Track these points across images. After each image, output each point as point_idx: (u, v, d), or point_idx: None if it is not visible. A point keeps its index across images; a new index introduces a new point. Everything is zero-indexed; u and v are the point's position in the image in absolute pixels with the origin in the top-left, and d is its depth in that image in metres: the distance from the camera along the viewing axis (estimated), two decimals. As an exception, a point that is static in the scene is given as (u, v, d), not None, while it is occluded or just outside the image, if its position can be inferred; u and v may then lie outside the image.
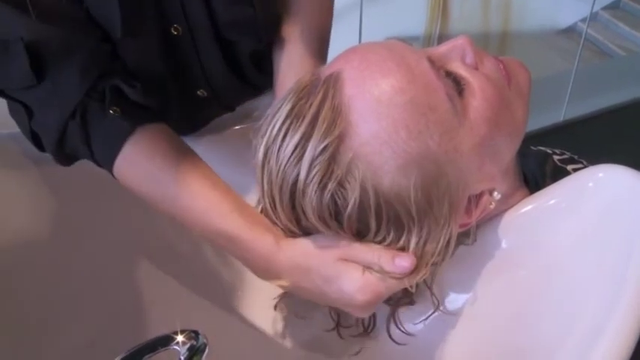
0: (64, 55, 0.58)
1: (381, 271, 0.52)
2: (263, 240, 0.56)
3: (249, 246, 0.57)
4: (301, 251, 0.55)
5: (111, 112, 0.60)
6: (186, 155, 0.62)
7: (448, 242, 0.54)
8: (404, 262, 0.51)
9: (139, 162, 0.60)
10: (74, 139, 0.61)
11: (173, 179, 0.59)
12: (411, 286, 0.54)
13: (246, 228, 0.57)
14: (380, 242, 0.53)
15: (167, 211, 0.61)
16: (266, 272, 0.58)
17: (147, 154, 0.60)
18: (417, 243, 0.52)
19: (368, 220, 0.52)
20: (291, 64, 0.70)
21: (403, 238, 0.52)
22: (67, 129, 0.61)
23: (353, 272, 0.53)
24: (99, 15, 0.61)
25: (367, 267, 0.53)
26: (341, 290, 0.53)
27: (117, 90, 0.61)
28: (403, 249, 0.53)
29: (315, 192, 0.50)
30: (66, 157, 0.64)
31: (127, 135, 0.60)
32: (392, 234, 0.52)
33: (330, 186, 0.50)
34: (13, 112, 0.66)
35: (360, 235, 0.54)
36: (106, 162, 0.61)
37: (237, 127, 0.82)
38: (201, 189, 0.59)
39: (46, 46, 0.57)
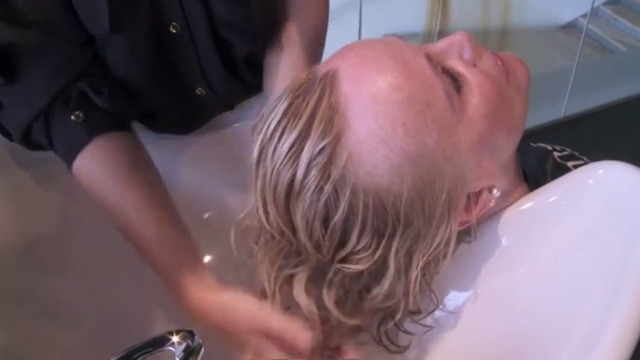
0: (35, 59, 0.60)
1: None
2: (173, 287, 0.61)
3: (164, 283, 0.62)
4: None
5: (72, 117, 0.62)
6: (136, 171, 0.64)
7: (448, 240, 0.53)
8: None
9: (92, 172, 0.64)
10: (39, 136, 0.64)
11: (117, 196, 0.63)
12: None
13: (163, 268, 0.62)
14: (361, 250, 0.51)
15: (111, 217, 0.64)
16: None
17: (99, 166, 0.63)
18: (397, 251, 0.51)
19: (353, 224, 0.50)
20: (283, 67, 0.70)
21: (383, 245, 0.51)
22: (31, 128, 0.63)
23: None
24: (84, 11, 0.60)
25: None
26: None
27: (83, 94, 0.63)
28: (385, 256, 0.52)
29: (311, 195, 0.49)
30: (33, 147, 0.67)
31: (83, 144, 0.63)
32: (375, 239, 0.51)
33: (327, 188, 0.49)
34: None
35: (342, 242, 0.52)
36: (66, 163, 0.64)
37: (236, 125, 0.82)
38: (136, 214, 0.62)
39: (18, 50, 0.59)
